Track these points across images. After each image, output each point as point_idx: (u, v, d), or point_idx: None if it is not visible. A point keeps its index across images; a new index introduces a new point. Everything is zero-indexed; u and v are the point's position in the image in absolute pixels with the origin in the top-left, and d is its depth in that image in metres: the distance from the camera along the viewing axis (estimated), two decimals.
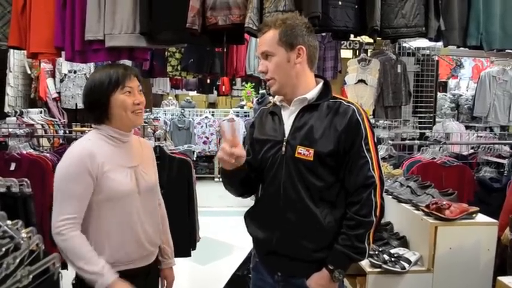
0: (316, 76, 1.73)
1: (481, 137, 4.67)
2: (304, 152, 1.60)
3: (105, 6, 2.60)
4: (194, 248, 3.10)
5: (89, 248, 1.60)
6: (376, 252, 2.42)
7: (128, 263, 1.70)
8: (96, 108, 1.68)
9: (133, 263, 1.72)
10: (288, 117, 1.69)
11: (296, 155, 1.62)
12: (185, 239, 2.96)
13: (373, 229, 1.59)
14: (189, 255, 3.05)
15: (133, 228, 1.71)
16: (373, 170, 1.59)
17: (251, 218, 1.79)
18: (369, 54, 5.11)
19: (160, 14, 2.56)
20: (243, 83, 9.53)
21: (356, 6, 2.55)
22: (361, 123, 1.60)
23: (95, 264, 1.58)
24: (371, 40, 2.84)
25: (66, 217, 1.58)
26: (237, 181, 1.75)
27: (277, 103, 1.75)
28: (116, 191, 1.65)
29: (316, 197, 1.62)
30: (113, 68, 1.69)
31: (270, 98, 7.76)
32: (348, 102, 1.66)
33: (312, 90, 1.67)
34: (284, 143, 1.65)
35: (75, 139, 3.20)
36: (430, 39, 2.72)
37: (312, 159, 1.60)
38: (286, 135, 1.66)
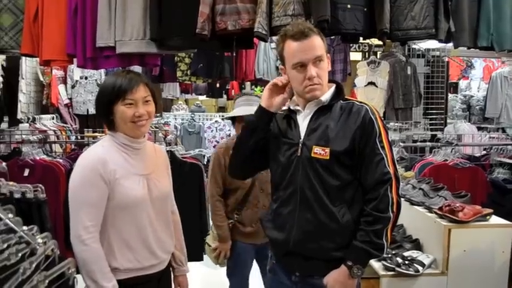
0: (329, 81, 1.77)
1: (494, 138, 4.62)
2: (320, 152, 1.63)
3: (116, 14, 2.63)
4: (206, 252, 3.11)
5: (107, 263, 1.61)
6: (389, 256, 2.40)
7: (139, 270, 1.69)
8: (102, 116, 1.71)
9: (145, 270, 1.71)
10: (303, 120, 1.72)
11: (312, 155, 1.64)
12: (197, 243, 2.97)
13: (391, 225, 1.61)
14: (201, 259, 3.06)
15: (145, 235, 1.70)
16: (389, 166, 1.61)
17: (267, 220, 1.81)
18: (378, 57, 5.09)
19: (170, 20, 2.58)
20: (253, 87, 9.50)
21: (365, 9, 2.56)
22: (375, 121, 1.63)
23: (109, 281, 1.59)
24: (380, 42, 2.82)
25: (87, 225, 1.58)
26: (253, 143, 1.75)
27: (292, 108, 1.77)
28: (127, 198, 1.65)
29: (333, 196, 1.63)
30: (119, 77, 1.67)
31: None
32: (361, 102, 1.70)
33: (326, 93, 1.71)
34: (300, 145, 1.68)
35: (87, 145, 3.25)
36: (440, 41, 2.71)
37: (328, 157, 1.62)
38: (302, 137, 1.69)
